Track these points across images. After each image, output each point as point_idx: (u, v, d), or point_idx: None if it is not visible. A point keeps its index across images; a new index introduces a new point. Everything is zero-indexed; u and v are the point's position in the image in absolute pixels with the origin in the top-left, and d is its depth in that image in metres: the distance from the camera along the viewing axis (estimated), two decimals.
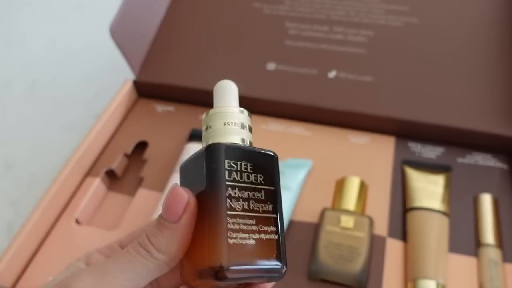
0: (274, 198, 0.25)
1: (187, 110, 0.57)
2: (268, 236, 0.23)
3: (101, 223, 0.49)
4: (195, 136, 0.52)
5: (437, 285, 0.40)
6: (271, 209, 0.24)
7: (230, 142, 0.26)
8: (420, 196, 0.46)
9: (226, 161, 0.24)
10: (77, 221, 0.47)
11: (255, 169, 0.25)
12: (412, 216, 0.45)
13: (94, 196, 0.50)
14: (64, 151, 0.58)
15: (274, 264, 0.23)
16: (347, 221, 0.44)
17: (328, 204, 0.47)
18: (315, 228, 0.45)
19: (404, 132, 0.52)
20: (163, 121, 0.57)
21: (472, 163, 0.50)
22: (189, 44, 0.60)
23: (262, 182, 0.25)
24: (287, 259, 0.24)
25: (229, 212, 0.23)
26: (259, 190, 0.24)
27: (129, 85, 0.57)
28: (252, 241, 0.23)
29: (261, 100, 0.54)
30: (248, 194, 0.24)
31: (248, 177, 0.24)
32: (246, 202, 0.24)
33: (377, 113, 0.52)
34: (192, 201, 0.23)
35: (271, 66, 0.57)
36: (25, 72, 0.70)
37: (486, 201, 0.46)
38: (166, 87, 0.57)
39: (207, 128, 0.26)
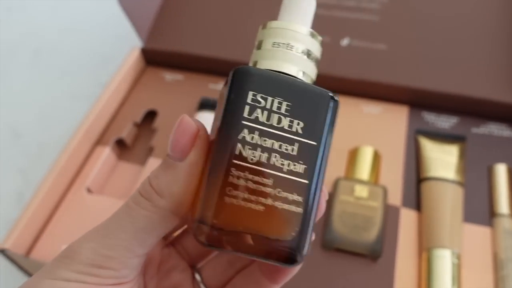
0: (312, 157, 0.19)
1: (196, 79, 0.56)
2: (286, 207, 0.18)
3: (112, 192, 0.48)
4: (205, 105, 0.52)
5: (452, 254, 0.40)
6: (302, 171, 0.18)
7: (276, 69, 0.19)
8: (434, 166, 0.46)
9: (250, 93, 0.18)
10: (89, 190, 0.47)
11: (294, 112, 0.19)
12: (426, 186, 0.44)
13: (105, 165, 0.49)
14: (72, 119, 0.57)
15: (283, 245, 0.18)
16: (361, 191, 0.43)
17: (341, 174, 0.47)
18: (329, 198, 0.45)
19: (418, 101, 0.51)
20: (172, 90, 0.56)
21: (487, 133, 0.49)
22: (198, 9, 0.58)
23: (300, 132, 0.19)
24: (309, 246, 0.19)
25: (235, 161, 0.18)
26: (292, 142, 0.18)
27: (136, 52, 0.56)
28: (259, 208, 0.18)
29: None
30: (273, 143, 0.18)
31: (279, 121, 0.19)
32: (266, 154, 0.18)
33: (390, 82, 0.51)
34: (203, 134, 0.19)
35: None
36: (28, 40, 0.69)
37: (501, 171, 0.46)
38: (175, 54, 0.56)
39: (258, 46, 0.21)
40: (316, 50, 0.21)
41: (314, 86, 0.20)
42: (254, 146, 0.18)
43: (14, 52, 0.67)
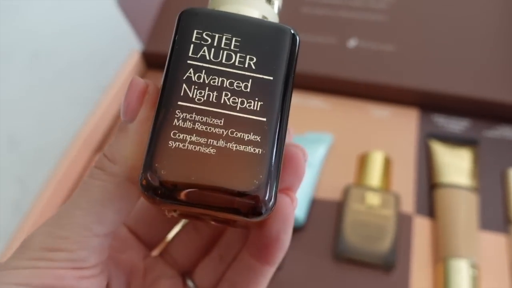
0: (269, 93, 0.17)
1: None
2: (242, 147, 0.17)
3: None
4: None
5: (469, 263, 0.38)
6: (258, 109, 0.17)
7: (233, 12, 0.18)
8: (446, 172, 0.44)
9: (195, 31, 0.18)
10: None
11: (245, 47, 0.18)
12: (439, 193, 0.43)
13: None
14: (70, 125, 0.56)
15: (246, 195, 0.16)
16: (373, 199, 0.42)
17: (351, 180, 0.45)
18: (339, 206, 0.43)
19: (428, 103, 0.50)
20: None
21: (499, 136, 0.48)
22: None
23: (253, 67, 0.17)
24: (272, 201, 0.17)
25: (180, 103, 0.17)
26: (244, 79, 0.17)
27: (136, 55, 0.55)
28: (210, 150, 0.16)
29: None
30: (223, 81, 0.17)
31: (229, 58, 0.17)
32: (216, 93, 0.17)
33: (399, 84, 0.49)
34: (152, 89, 0.18)
35: None
36: (25, 43, 0.67)
37: None
38: None
39: None
40: None
41: (269, 21, 0.19)
42: (201, 86, 0.17)
43: (10, 56, 0.65)
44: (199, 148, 0.16)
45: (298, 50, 0.18)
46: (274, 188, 0.17)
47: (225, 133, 0.17)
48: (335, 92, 0.52)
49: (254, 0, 0.19)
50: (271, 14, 0.19)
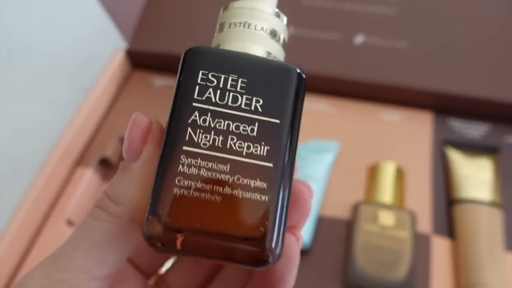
0: (276, 137, 0.17)
1: None
2: (248, 195, 0.16)
3: None
4: None
5: None
6: (265, 154, 0.17)
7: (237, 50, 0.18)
8: (465, 185, 0.40)
9: (200, 72, 0.17)
10: (70, 222, 0.41)
11: (251, 89, 0.17)
12: (459, 210, 0.39)
13: (87, 191, 0.43)
14: (50, 131, 0.51)
15: (252, 243, 0.16)
16: (386, 218, 0.38)
17: (360, 195, 0.41)
18: (348, 226, 0.39)
19: (444, 106, 0.46)
20: (163, 97, 0.49)
21: None
22: (190, 4, 0.51)
23: (260, 110, 0.17)
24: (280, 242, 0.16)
25: (185, 148, 0.16)
26: (251, 122, 0.17)
27: (120, 55, 0.50)
28: (216, 198, 0.16)
29: None
30: (229, 125, 0.17)
31: (235, 100, 0.17)
32: (221, 137, 0.17)
33: (412, 85, 0.45)
34: (157, 127, 0.18)
35: None
36: None
37: None
38: (164, 56, 0.49)
39: (220, 29, 0.20)
40: (282, 31, 0.19)
41: (275, 61, 0.18)
42: (207, 130, 0.17)
43: None
44: (205, 195, 0.16)
45: (304, 90, 0.18)
46: (281, 236, 0.16)
47: (231, 180, 0.16)
48: (341, 94, 0.47)
49: (260, 36, 0.19)
50: (277, 49, 0.19)
